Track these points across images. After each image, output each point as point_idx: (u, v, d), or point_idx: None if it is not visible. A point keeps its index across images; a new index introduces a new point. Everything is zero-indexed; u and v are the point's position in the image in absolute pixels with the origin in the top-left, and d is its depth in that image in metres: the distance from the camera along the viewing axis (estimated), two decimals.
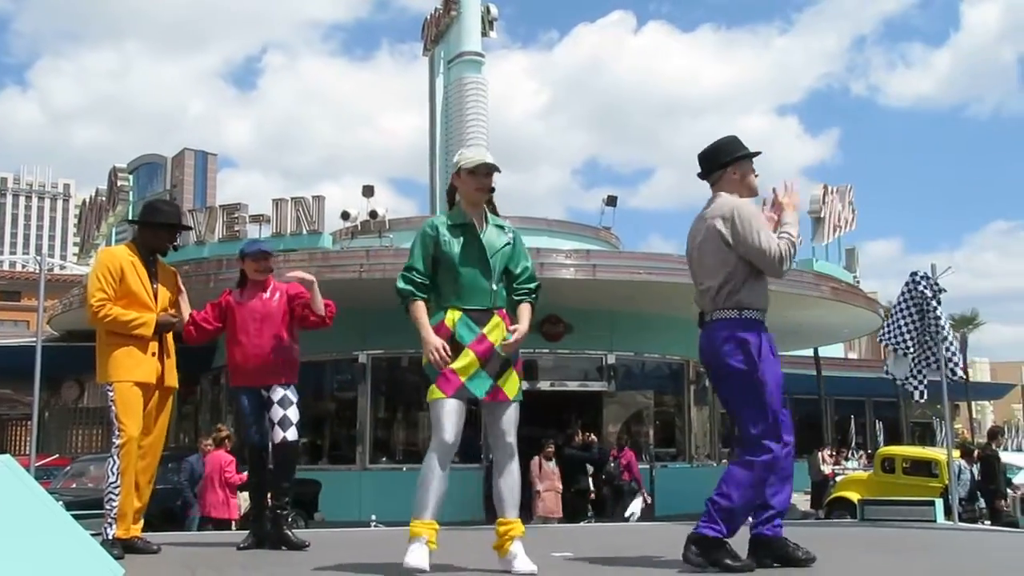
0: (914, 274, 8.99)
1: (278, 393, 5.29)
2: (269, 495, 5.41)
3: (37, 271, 16.58)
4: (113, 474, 4.86)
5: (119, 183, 26.49)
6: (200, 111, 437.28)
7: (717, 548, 3.99)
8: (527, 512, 13.93)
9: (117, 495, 4.86)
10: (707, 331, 4.22)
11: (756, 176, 4.36)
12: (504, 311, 4.07)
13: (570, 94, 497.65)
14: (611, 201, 23.45)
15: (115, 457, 4.87)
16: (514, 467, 4.05)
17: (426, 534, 3.82)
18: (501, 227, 4.17)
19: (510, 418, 4.04)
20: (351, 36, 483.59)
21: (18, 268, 55.77)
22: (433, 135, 26.81)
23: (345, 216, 21.13)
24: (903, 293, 8.98)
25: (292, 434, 5.27)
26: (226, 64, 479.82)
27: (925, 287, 8.78)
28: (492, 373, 3.98)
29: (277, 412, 5.27)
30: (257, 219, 20.31)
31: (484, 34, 26.48)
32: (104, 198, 27.14)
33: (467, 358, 3.94)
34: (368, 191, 21.11)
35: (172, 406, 5.34)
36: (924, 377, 8.86)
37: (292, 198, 19.95)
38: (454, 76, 26.17)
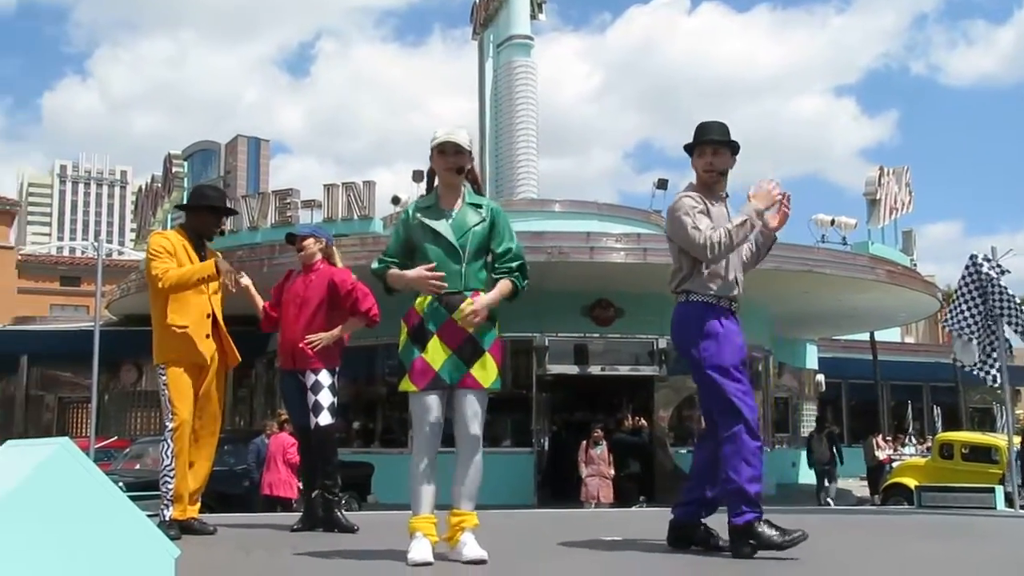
0: (973, 257, 8.81)
1: (310, 378, 5.32)
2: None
3: (95, 257, 16.87)
4: (167, 457, 4.94)
5: (174, 170, 26.86)
6: (254, 98, 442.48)
7: (756, 531, 3.95)
8: (575, 497, 13.93)
9: (172, 477, 4.93)
10: (673, 314, 4.34)
11: (710, 162, 4.28)
12: (478, 292, 3.92)
13: (622, 77, 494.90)
14: (662, 184, 23.24)
15: (168, 440, 4.95)
16: (476, 460, 3.92)
17: (422, 529, 3.82)
18: (477, 206, 4.01)
19: (475, 407, 3.89)
20: (403, 22, 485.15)
21: (78, 254, 56.90)
22: (483, 119, 26.80)
23: (395, 201, 21.21)
24: (964, 277, 8.81)
25: (324, 419, 5.29)
26: (280, 51, 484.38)
27: (990, 268, 8.61)
28: (463, 358, 3.86)
29: (310, 398, 5.32)
30: (309, 204, 20.46)
31: (533, 17, 26.39)
32: (160, 184, 27.55)
33: (436, 345, 3.85)
34: (418, 176, 21.08)
35: (225, 386, 5.42)
36: (995, 361, 8.69)
37: (343, 183, 20.06)
38: (503, 60, 26.11)
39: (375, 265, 4.04)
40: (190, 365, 5.04)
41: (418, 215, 3.98)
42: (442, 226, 3.93)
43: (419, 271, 3.84)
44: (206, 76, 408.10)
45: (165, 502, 4.95)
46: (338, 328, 5.40)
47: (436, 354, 3.83)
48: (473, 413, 3.87)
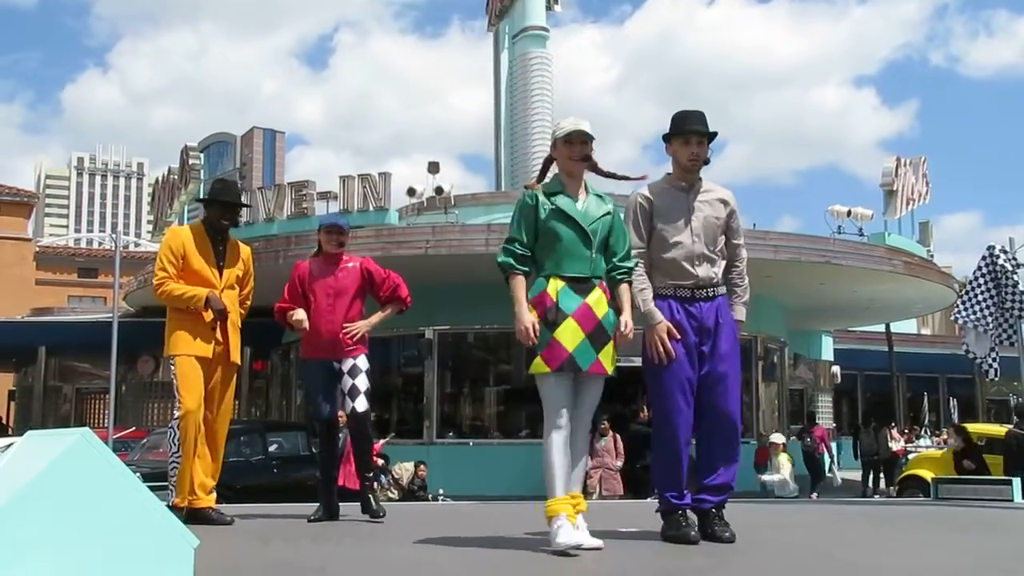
0: (991, 248, 8.76)
1: (348, 363, 5.35)
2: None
3: (113, 249, 16.98)
4: (173, 444, 5.02)
5: (190, 162, 26.96)
6: (273, 90, 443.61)
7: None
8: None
9: (178, 464, 5.02)
10: None
11: (695, 153, 4.28)
12: (604, 283, 4.01)
13: (641, 68, 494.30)
14: None
15: (175, 428, 5.03)
16: (586, 445, 4.10)
17: (565, 510, 3.78)
18: (601, 198, 4.10)
19: (596, 393, 4.02)
20: (422, 14, 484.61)
21: (95, 246, 57.19)
22: (498, 111, 26.78)
23: (411, 192, 21.26)
24: (979, 268, 8.76)
25: (360, 404, 5.32)
26: (299, 43, 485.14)
27: (1006, 260, 8.56)
28: (594, 343, 3.90)
29: (347, 382, 5.35)
30: (325, 196, 20.54)
31: (549, 8, 26.33)
32: (176, 177, 27.66)
33: (572, 328, 3.86)
34: (434, 167, 21.19)
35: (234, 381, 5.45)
36: (997, 355, 8.66)
37: (359, 175, 20.11)
38: (518, 51, 26.07)
39: (501, 257, 3.99)
40: (198, 357, 5.10)
41: (551, 199, 3.99)
42: (575, 211, 3.97)
43: (528, 324, 3.86)
44: (225, 68, 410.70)
45: (170, 488, 5.04)
46: (376, 316, 5.50)
47: (571, 337, 3.85)
48: (593, 399, 4.01)
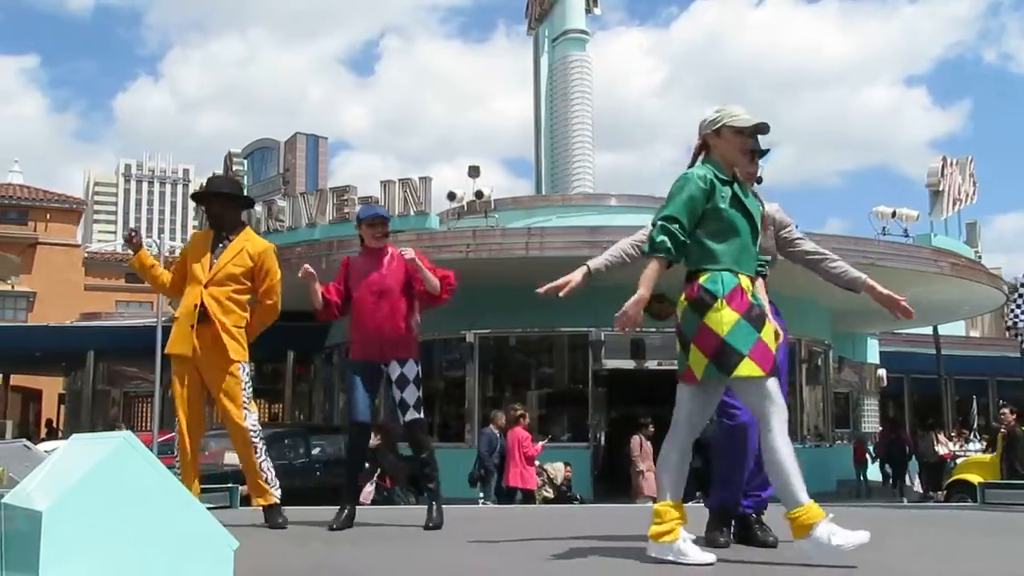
0: None
1: (395, 371, 5.18)
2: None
3: (158, 254, 17.25)
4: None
5: (234, 167, 27.27)
6: (320, 96, 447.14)
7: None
8: (627, 492, 13.88)
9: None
10: None
11: (751, 173, 3.99)
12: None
13: (687, 70, 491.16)
14: None
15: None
16: None
17: (823, 514, 3.45)
18: (755, 193, 3.91)
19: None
20: (469, 19, 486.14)
21: None
22: (538, 115, 26.78)
23: (451, 197, 21.31)
24: None
25: (410, 415, 5.19)
26: (346, 49, 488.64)
27: None
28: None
29: (396, 394, 5.20)
30: (366, 201, 20.62)
31: (588, 11, 26.28)
32: None
33: (771, 330, 3.63)
34: (474, 172, 21.22)
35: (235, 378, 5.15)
36: None
37: (400, 180, 20.22)
38: (558, 55, 26.06)
39: (660, 236, 3.58)
40: (176, 359, 5.13)
41: (722, 188, 3.67)
42: (752, 205, 3.75)
43: (640, 308, 3.63)
44: (273, 75, 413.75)
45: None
46: (427, 272, 5.21)
47: (773, 339, 3.64)
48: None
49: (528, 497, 11.79)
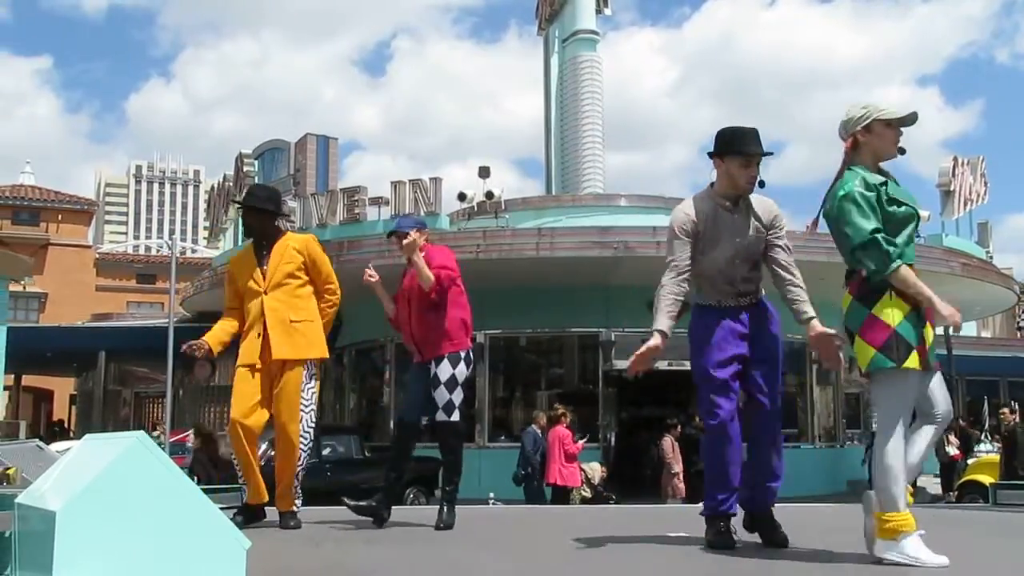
0: None
1: (434, 371, 5.21)
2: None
3: (170, 255, 17.30)
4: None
5: (244, 168, 27.30)
6: (332, 97, 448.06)
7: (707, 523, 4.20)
8: (658, 493, 13.88)
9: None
10: None
11: (754, 176, 4.14)
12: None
13: (700, 70, 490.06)
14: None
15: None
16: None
17: (914, 527, 3.48)
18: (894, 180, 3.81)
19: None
20: (481, 19, 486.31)
21: (153, 252, 58.20)
22: (548, 115, 26.77)
23: (461, 197, 21.33)
24: None
25: (440, 415, 5.20)
26: (358, 50, 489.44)
27: None
28: None
29: (430, 394, 5.26)
30: (376, 201, 20.66)
31: (598, 11, 26.25)
32: (231, 184, 28.03)
33: (931, 327, 3.64)
34: (484, 172, 21.23)
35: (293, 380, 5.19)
36: None
37: (410, 180, 20.23)
38: (568, 55, 26.04)
39: (887, 247, 3.50)
40: (246, 366, 5.17)
41: (885, 186, 3.63)
42: (906, 195, 3.70)
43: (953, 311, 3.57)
44: (286, 76, 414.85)
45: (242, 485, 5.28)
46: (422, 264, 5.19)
47: (931, 335, 3.64)
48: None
49: (564, 494, 12.07)
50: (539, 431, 12.85)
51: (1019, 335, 33.42)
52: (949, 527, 5.49)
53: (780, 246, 4.26)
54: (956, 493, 15.44)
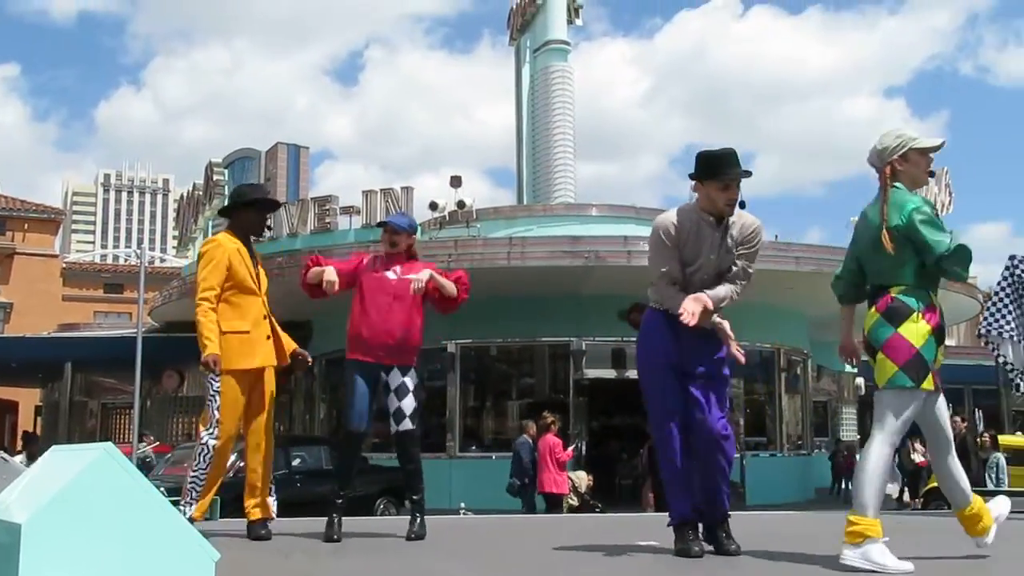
0: (1012, 257, 8.66)
1: (396, 379, 5.09)
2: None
3: (138, 264, 17.17)
4: (204, 461, 5.08)
5: (215, 178, 27.16)
6: (304, 106, 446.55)
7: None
8: (618, 501, 13.91)
9: (202, 482, 5.10)
10: None
11: (733, 198, 4.21)
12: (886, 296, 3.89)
13: (671, 81, 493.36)
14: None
15: (208, 448, 5.09)
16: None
17: (880, 535, 3.60)
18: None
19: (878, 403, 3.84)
20: (454, 29, 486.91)
21: (121, 262, 57.69)
22: (520, 125, 26.84)
23: (433, 207, 21.33)
24: (1003, 279, 8.68)
25: (405, 425, 5.10)
26: (330, 60, 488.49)
27: (1023, 271, 8.47)
28: None
29: (392, 402, 5.11)
30: (348, 210, 20.63)
31: (570, 22, 26.38)
32: (201, 192, 27.87)
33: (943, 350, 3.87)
34: (456, 181, 21.25)
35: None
36: (1022, 368, 8.54)
37: (381, 189, 20.21)
38: (540, 65, 26.14)
39: (968, 248, 3.78)
40: (244, 373, 4.97)
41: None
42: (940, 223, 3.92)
43: None
44: (257, 85, 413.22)
45: (188, 500, 5.02)
46: (440, 278, 5.16)
47: (942, 357, 3.85)
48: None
49: (557, 503, 12.18)
50: (531, 440, 12.82)
51: (982, 343, 33.80)
52: (913, 534, 5.55)
53: (745, 258, 4.32)
54: (922, 500, 15.61)
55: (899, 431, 3.74)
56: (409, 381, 5.13)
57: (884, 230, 3.80)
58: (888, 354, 3.71)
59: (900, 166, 3.90)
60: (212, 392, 5.11)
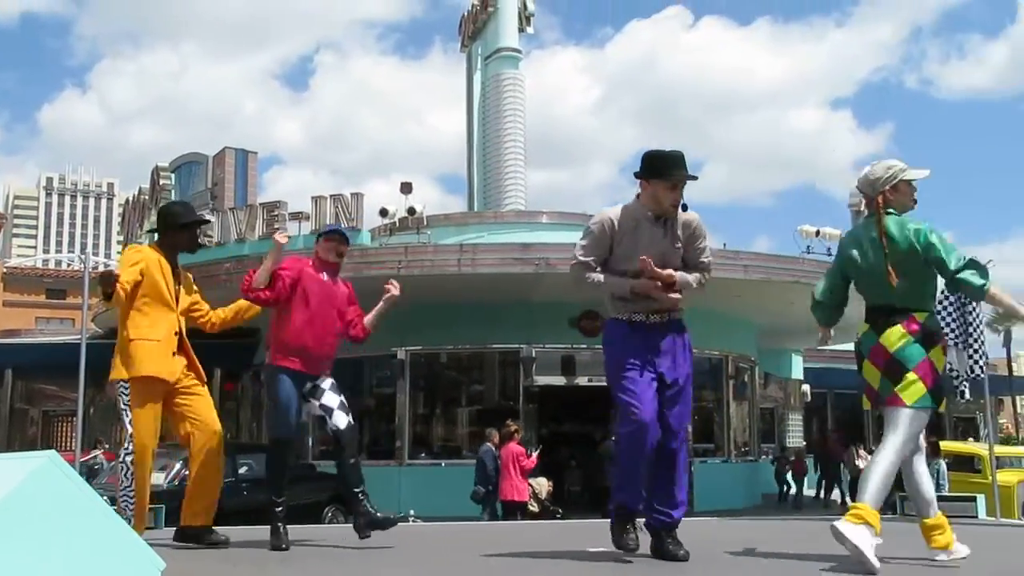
0: None
1: (327, 380, 5.14)
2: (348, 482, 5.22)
3: (82, 269, 16.83)
4: (127, 479, 5.02)
5: (161, 182, 26.79)
6: (253, 110, 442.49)
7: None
8: (582, 507, 13.96)
9: (132, 498, 5.02)
10: None
11: (678, 198, 4.32)
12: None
13: (622, 89, 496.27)
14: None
15: (127, 463, 5.06)
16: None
17: (876, 523, 3.86)
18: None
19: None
20: (405, 35, 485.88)
21: (64, 267, 56.67)
22: (471, 132, 26.84)
23: (383, 213, 21.24)
24: (943, 289, 8.85)
25: (350, 418, 5.14)
26: (280, 64, 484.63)
27: None
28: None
29: (333, 398, 5.11)
30: (297, 216, 20.46)
31: (521, 30, 26.44)
32: (147, 197, 27.47)
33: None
34: (406, 188, 21.17)
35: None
36: (968, 376, 8.73)
37: (331, 195, 20.08)
38: (491, 72, 26.16)
39: (988, 275, 4.10)
40: (153, 380, 4.93)
41: None
42: None
43: None
44: (205, 89, 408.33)
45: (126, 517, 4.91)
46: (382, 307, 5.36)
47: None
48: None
49: (517, 510, 12.23)
50: (494, 448, 12.84)
51: None
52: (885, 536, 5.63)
53: (701, 256, 4.42)
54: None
55: (913, 444, 4.09)
56: (331, 380, 5.22)
57: (888, 262, 4.08)
58: (920, 375, 4.02)
59: (891, 195, 4.23)
60: (123, 406, 5.00)
